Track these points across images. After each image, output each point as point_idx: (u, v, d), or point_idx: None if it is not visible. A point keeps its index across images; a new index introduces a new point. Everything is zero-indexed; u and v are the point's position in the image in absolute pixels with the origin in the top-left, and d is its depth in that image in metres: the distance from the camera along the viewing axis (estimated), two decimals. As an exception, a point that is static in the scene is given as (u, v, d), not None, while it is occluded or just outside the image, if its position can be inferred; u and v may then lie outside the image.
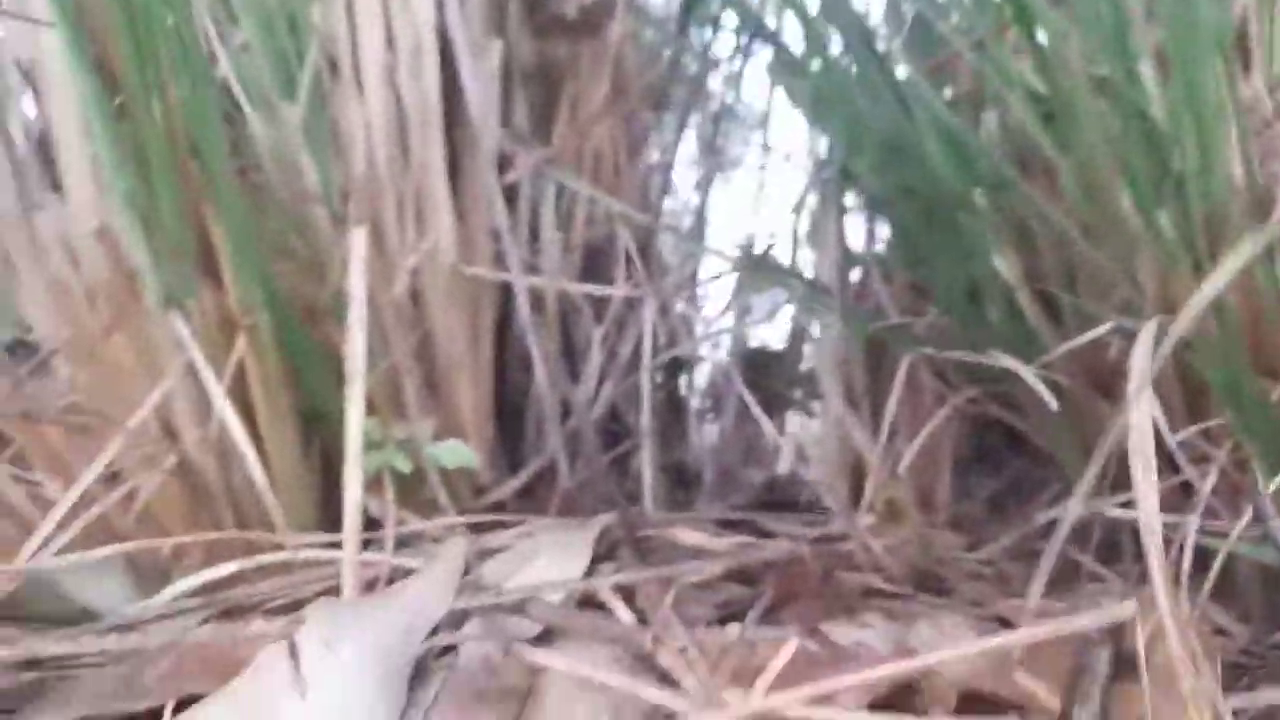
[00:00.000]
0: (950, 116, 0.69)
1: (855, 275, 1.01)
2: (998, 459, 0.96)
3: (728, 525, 0.83)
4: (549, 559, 0.61)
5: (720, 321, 1.20)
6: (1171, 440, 0.60)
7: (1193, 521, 0.51)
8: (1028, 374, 0.61)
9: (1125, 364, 0.60)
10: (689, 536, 0.73)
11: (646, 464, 0.87)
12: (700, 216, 1.11)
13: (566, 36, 0.97)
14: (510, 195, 0.89)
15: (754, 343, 1.23)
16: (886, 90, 0.73)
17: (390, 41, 0.78)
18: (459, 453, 0.70)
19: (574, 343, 0.93)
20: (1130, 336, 0.55)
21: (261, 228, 0.67)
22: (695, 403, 1.22)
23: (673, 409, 1.15)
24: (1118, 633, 0.52)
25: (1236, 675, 0.61)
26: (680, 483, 1.10)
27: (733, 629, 0.59)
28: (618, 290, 0.85)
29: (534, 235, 0.90)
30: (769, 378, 1.18)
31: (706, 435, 1.21)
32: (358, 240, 0.61)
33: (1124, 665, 0.51)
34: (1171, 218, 0.59)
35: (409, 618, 0.49)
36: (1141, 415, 0.41)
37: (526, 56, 0.95)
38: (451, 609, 0.54)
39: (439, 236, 0.80)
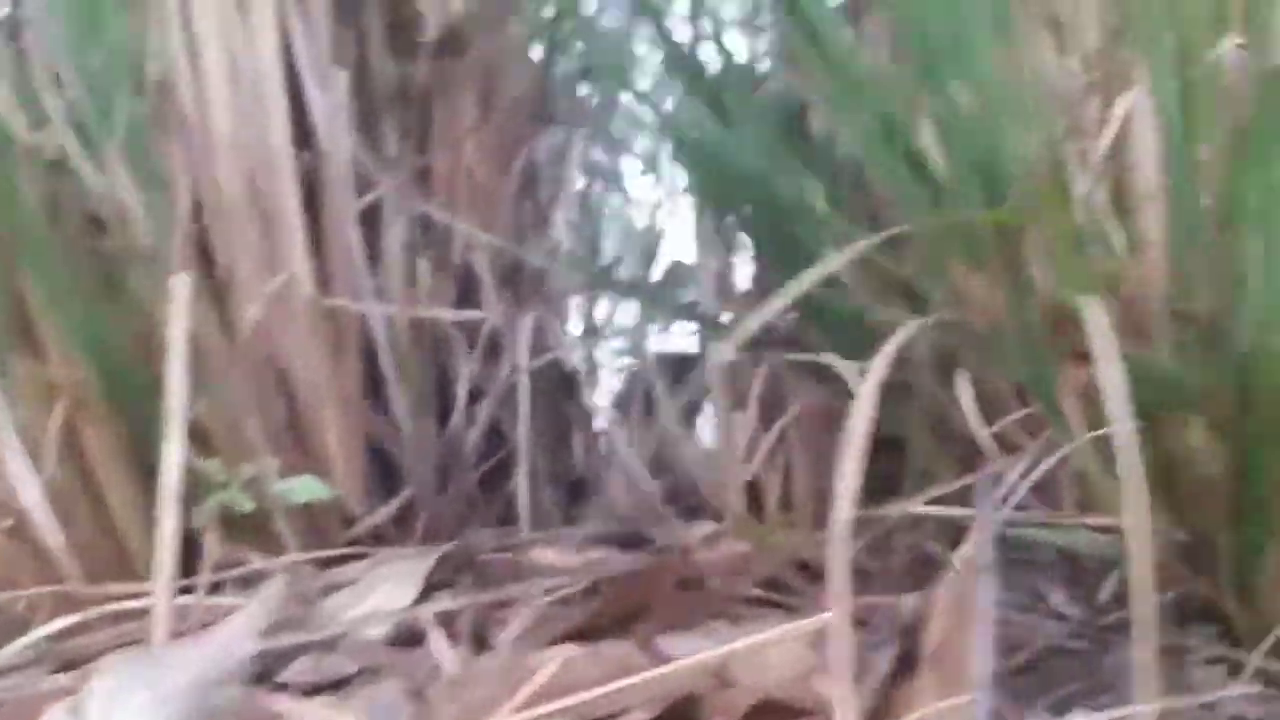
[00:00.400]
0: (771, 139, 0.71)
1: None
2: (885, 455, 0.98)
3: (607, 540, 0.84)
4: (386, 590, 0.63)
5: (621, 330, 1.22)
6: (980, 431, 0.62)
7: (989, 510, 0.53)
8: (847, 370, 0.63)
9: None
10: (545, 556, 0.74)
11: (522, 484, 0.88)
12: (586, 230, 1.13)
13: (432, 58, 0.99)
14: (375, 221, 0.90)
15: (669, 347, 1.25)
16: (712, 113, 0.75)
17: (234, 74, 0.80)
18: (311, 488, 0.71)
19: (450, 368, 0.95)
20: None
21: (93, 279, 0.68)
22: (604, 414, 1.23)
23: (576, 423, 1.16)
24: (909, 630, 0.54)
25: (1063, 658, 0.63)
26: (581, 497, 1.11)
27: (563, 649, 0.61)
28: (473, 315, 0.86)
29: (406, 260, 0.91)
30: (682, 382, 1.20)
31: (614, 447, 1.22)
32: (180, 288, 0.63)
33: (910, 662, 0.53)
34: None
35: (209, 663, 0.50)
36: (860, 417, 0.42)
37: (392, 80, 0.97)
38: (273, 648, 0.56)
39: (294, 269, 0.81)
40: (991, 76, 0.59)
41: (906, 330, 0.50)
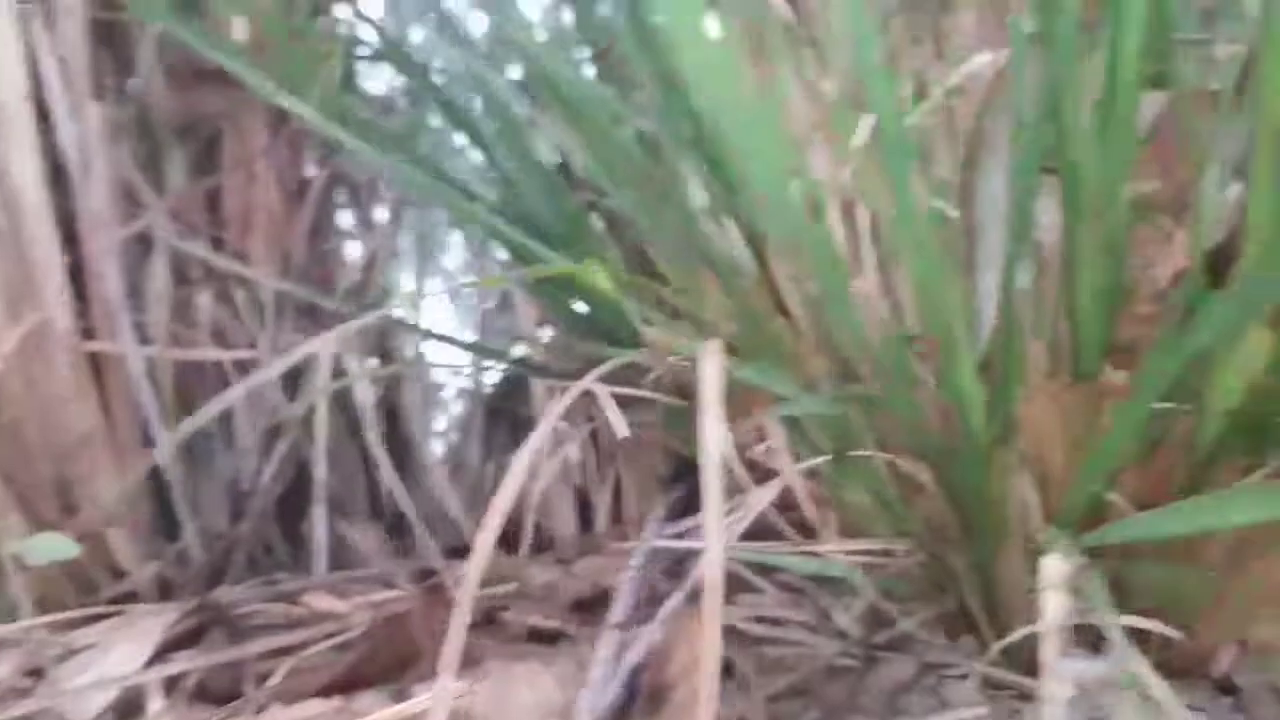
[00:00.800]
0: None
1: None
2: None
3: (391, 581, 0.83)
4: (120, 653, 0.60)
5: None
6: (736, 464, 0.62)
7: (730, 540, 0.53)
8: (606, 397, 0.63)
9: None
10: (320, 601, 0.72)
11: (319, 524, 0.86)
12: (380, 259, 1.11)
13: (214, 87, 0.96)
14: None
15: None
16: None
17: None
18: (53, 546, 0.68)
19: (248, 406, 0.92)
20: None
21: None
22: (443, 445, 1.22)
23: (408, 455, 1.14)
24: (653, 666, 0.54)
25: (833, 677, 0.64)
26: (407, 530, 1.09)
27: (311, 704, 0.60)
28: (240, 354, 0.84)
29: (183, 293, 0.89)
30: (520, 406, 1.19)
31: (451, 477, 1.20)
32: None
33: (656, 697, 0.53)
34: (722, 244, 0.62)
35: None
36: (526, 453, 0.42)
37: (173, 110, 0.94)
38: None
39: (49, 311, 0.78)
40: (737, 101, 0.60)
41: (609, 364, 0.49)
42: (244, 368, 0.88)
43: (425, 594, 0.72)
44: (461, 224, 0.93)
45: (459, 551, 0.99)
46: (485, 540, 0.37)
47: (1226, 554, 0.47)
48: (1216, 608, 0.49)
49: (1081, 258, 0.44)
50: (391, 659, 0.66)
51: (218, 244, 0.95)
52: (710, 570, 0.34)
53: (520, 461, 0.39)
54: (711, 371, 0.38)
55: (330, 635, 0.70)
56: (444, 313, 1.26)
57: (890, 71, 0.54)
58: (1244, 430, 0.45)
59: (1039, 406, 0.51)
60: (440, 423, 1.24)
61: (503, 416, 1.18)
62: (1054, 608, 0.33)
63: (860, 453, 0.48)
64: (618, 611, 0.47)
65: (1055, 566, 0.34)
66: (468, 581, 0.37)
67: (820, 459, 0.48)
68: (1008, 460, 0.51)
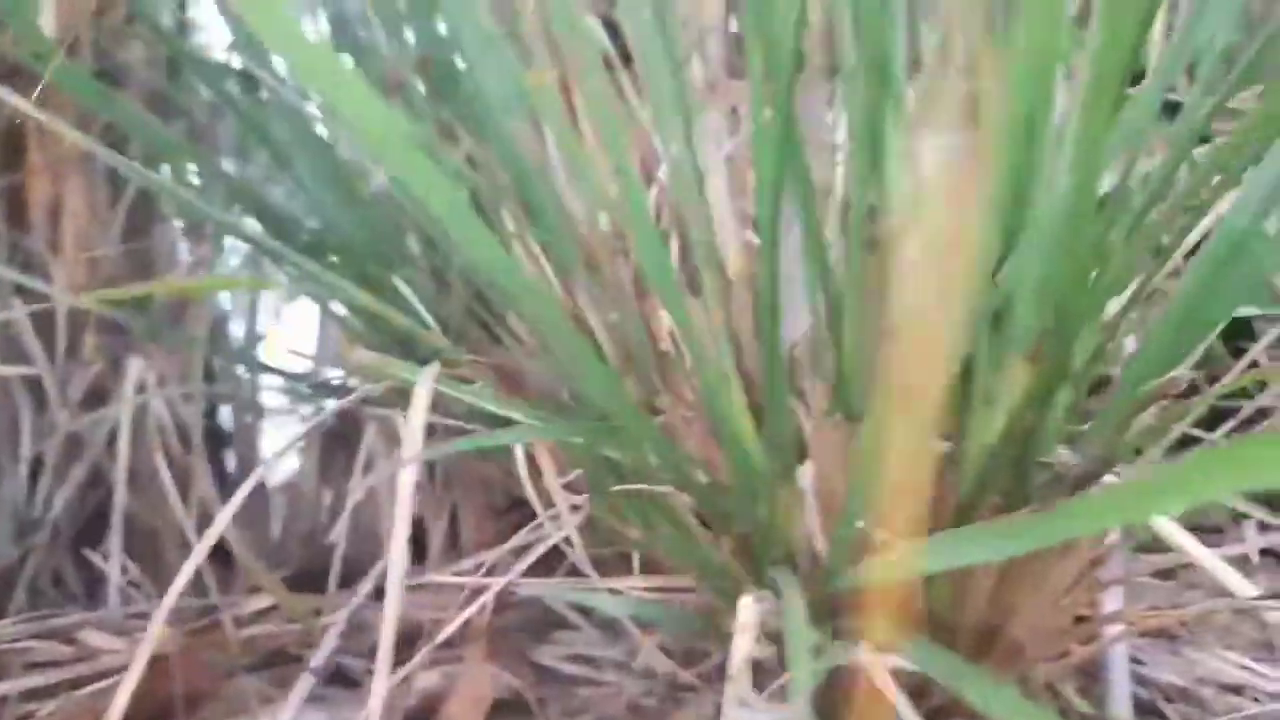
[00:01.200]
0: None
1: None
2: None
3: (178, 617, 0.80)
4: None
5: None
6: (529, 490, 0.62)
7: (507, 574, 0.53)
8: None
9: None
10: (94, 639, 0.70)
11: (115, 552, 0.83)
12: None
13: (15, 80, 0.93)
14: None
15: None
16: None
17: None
18: None
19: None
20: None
21: None
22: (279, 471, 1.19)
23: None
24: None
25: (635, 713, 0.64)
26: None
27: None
28: (12, 370, 0.81)
29: None
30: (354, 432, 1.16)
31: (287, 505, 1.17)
32: None
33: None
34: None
35: None
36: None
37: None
38: None
39: None
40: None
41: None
42: (36, 385, 0.85)
43: (190, 634, 0.70)
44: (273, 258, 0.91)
45: (288, 582, 0.97)
46: (186, 570, 0.36)
47: (992, 593, 0.48)
48: (989, 648, 0.50)
49: (847, 295, 0.44)
50: (153, 704, 0.64)
51: (17, 249, 0.92)
52: (389, 610, 0.33)
53: (243, 490, 0.38)
54: (420, 398, 0.37)
55: (104, 675, 0.67)
56: (282, 327, 1.23)
57: (690, 102, 0.55)
58: (1005, 466, 0.46)
59: (824, 443, 0.52)
60: (276, 447, 1.21)
61: (340, 443, 1.16)
62: (740, 651, 0.33)
63: (621, 487, 0.48)
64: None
65: (748, 608, 0.34)
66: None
67: (585, 494, 0.48)
68: (789, 497, 0.51)
